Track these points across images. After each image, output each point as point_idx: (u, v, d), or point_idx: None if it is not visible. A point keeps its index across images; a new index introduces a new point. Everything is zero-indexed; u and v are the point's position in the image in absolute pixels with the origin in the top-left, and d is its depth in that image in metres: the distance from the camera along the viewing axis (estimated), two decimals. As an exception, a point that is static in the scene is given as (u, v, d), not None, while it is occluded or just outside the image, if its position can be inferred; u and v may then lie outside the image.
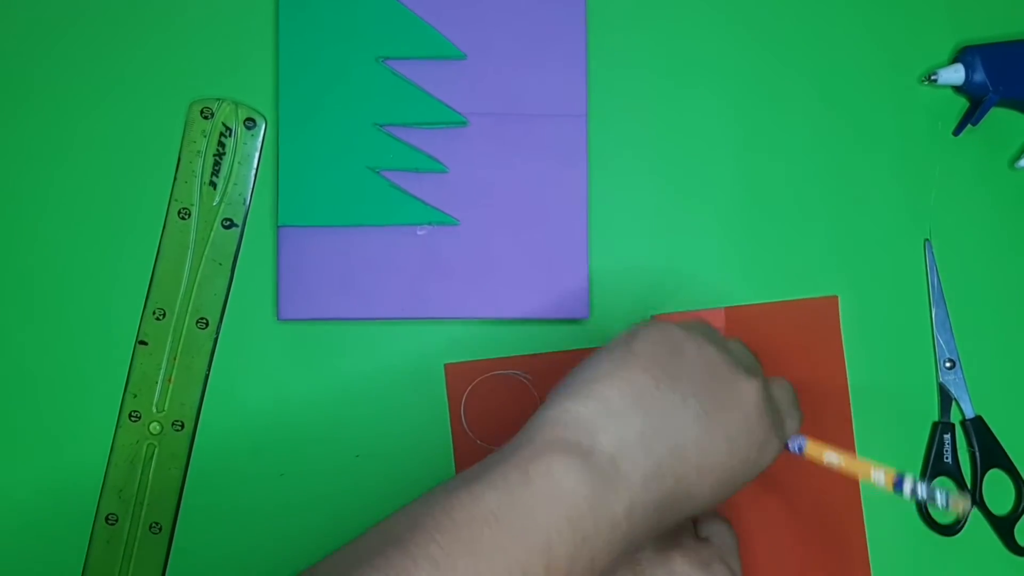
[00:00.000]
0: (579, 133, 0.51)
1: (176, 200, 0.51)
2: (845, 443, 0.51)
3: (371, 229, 0.50)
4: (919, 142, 0.53)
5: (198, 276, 0.51)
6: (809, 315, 0.52)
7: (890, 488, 0.39)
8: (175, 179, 0.51)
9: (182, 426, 0.50)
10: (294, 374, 0.51)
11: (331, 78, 0.50)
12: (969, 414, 0.52)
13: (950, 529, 0.52)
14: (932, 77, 0.52)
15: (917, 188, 0.53)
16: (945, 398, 0.52)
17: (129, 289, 0.51)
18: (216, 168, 0.51)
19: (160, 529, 0.50)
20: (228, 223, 0.51)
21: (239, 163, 0.51)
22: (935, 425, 0.52)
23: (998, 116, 0.52)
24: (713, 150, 0.52)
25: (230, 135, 0.51)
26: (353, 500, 0.51)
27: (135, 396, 0.50)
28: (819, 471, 0.51)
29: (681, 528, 0.44)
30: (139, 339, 0.51)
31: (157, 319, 0.50)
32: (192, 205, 0.51)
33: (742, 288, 0.52)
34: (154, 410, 0.50)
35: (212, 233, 0.51)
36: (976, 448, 0.52)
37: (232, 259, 0.51)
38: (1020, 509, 0.52)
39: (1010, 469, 0.52)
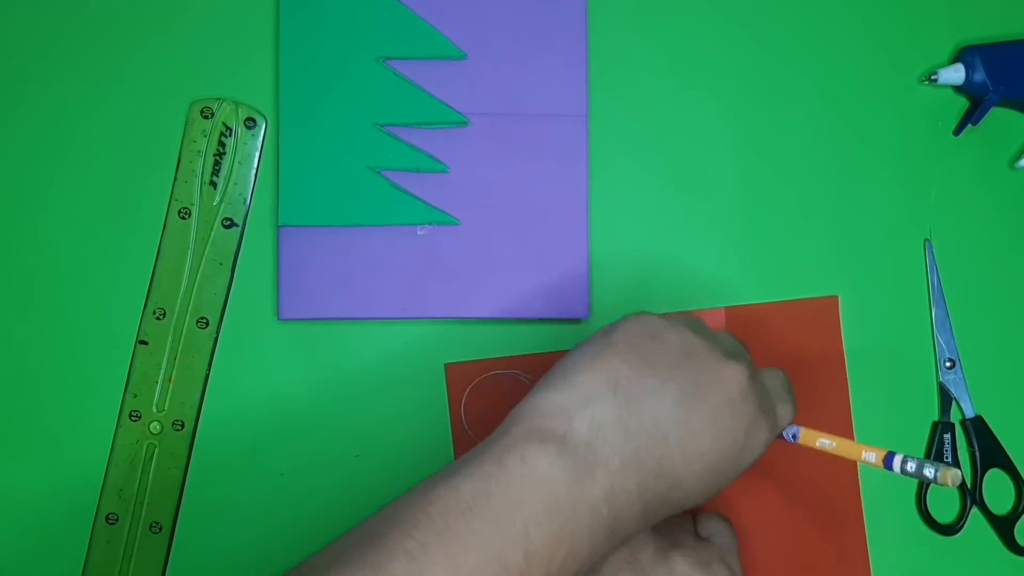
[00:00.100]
0: (579, 133, 0.51)
1: (176, 200, 0.51)
2: (845, 443, 0.52)
3: (371, 229, 0.50)
4: (919, 142, 0.53)
5: (198, 276, 0.51)
6: (809, 315, 0.52)
7: (880, 466, 0.39)
8: (175, 179, 0.51)
9: (182, 426, 0.50)
10: (294, 374, 0.51)
11: (331, 78, 0.50)
12: (969, 414, 0.52)
13: (950, 528, 0.52)
14: (932, 77, 0.52)
15: (917, 188, 0.53)
16: (945, 398, 0.52)
17: (129, 289, 0.51)
18: (216, 168, 0.51)
19: (160, 529, 0.50)
20: (228, 223, 0.51)
21: (239, 163, 0.51)
22: (935, 425, 0.52)
23: (998, 116, 0.52)
24: (713, 150, 0.52)
25: (230, 135, 0.51)
26: (353, 500, 0.50)
27: (135, 396, 0.50)
28: (819, 471, 0.51)
29: (681, 528, 0.44)
30: (139, 339, 0.51)
31: (157, 319, 0.50)
32: (192, 205, 0.51)
33: (742, 288, 0.52)
34: (154, 410, 0.50)
35: (212, 233, 0.51)
36: (976, 448, 0.52)
37: (232, 259, 0.51)
38: (1020, 509, 0.52)
39: (1010, 469, 0.52)
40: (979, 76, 0.51)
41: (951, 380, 0.52)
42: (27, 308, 0.51)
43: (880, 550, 0.52)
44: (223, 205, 0.51)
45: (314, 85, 0.50)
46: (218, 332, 0.51)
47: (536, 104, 0.51)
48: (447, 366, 0.51)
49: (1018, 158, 0.52)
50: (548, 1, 0.51)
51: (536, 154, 0.51)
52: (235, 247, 0.51)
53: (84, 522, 0.50)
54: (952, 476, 0.36)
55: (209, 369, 0.51)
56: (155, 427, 0.50)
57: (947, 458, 0.52)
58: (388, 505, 0.36)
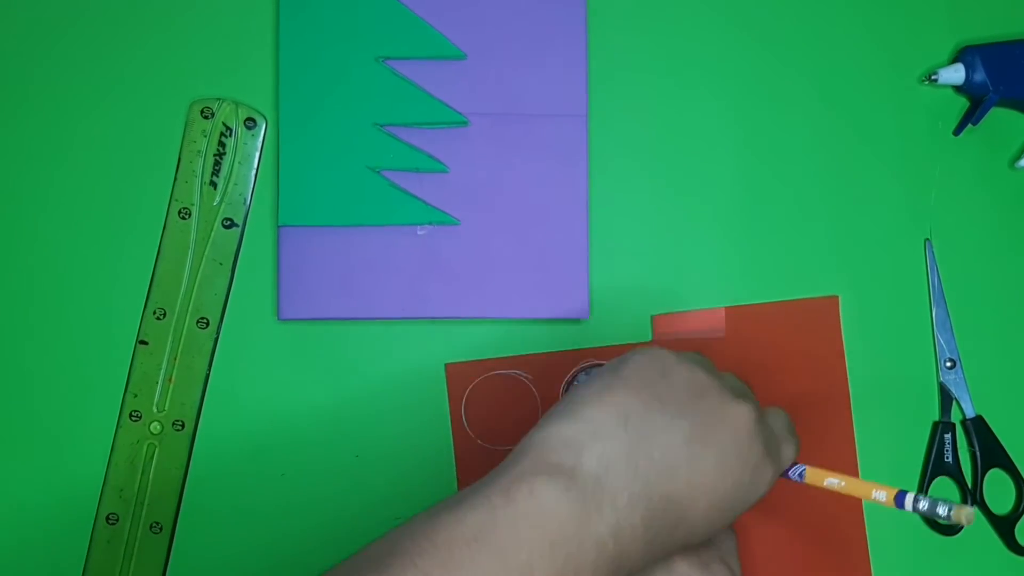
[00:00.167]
0: (579, 133, 0.51)
1: (176, 200, 0.51)
2: (846, 442, 0.51)
3: (371, 229, 0.50)
4: (919, 142, 0.53)
5: (198, 276, 0.51)
6: (809, 315, 0.52)
7: (892, 504, 0.39)
8: (175, 179, 0.51)
9: (183, 426, 0.50)
10: (294, 374, 0.51)
11: (331, 78, 0.50)
12: (970, 414, 0.52)
13: (951, 529, 0.52)
14: (932, 77, 0.52)
15: (917, 188, 0.53)
16: (945, 398, 0.52)
17: (129, 289, 0.51)
18: (216, 168, 0.51)
19: (161, 529, 0.50)
20: (228, 223, 0.51)
21: (239, 163, 0.51)
22: (936, 425, 0.52)
23: (998, 116, 0.52)
24: (713, 150, 0.52)
25: (230, 135, 0.51)
26: (354, 500, 0.50)
27: (136, 396, 0.50)
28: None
29: None
30: (140, 339, 0.51)
31: (158, 319, 0.50)
32: (192, 205, 0.51)
33: (742, 288, 0.52)
34: (155, 410, 0.50)
35: (212, 233, 0.51)
36: (977, 448, 0.52)
37: (232, 259, 0.51)
38: (1021, 509, 0.52)
39: (1011, 469, 0.52)
40: (979, 76, 0.51)
41: (952, 380, 0.52)
42: (27, 308, 0.51)
43: (881, 550, 0.52)
44: (223, 205, 0.51)
45: (314, 85, 0.50)
46: (218, 332, 0.51)
47: (536, 104, 0.51)
48: (447, 366, 0.51)
49: (1018, 158, 0.52)
50: (548, 1, 0.51)
51: (536, 154, 0.51)
52: (235, 247, 0.51)
53: (84, 522, 0.50)
54: (967, 515, 0.36)
55: (209, 369, 0.51)
56: (155, 427, 0.50)
57: (948, 458, 0.52)
58: (393, 531, 0.35)
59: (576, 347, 0.51)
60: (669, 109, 0.52)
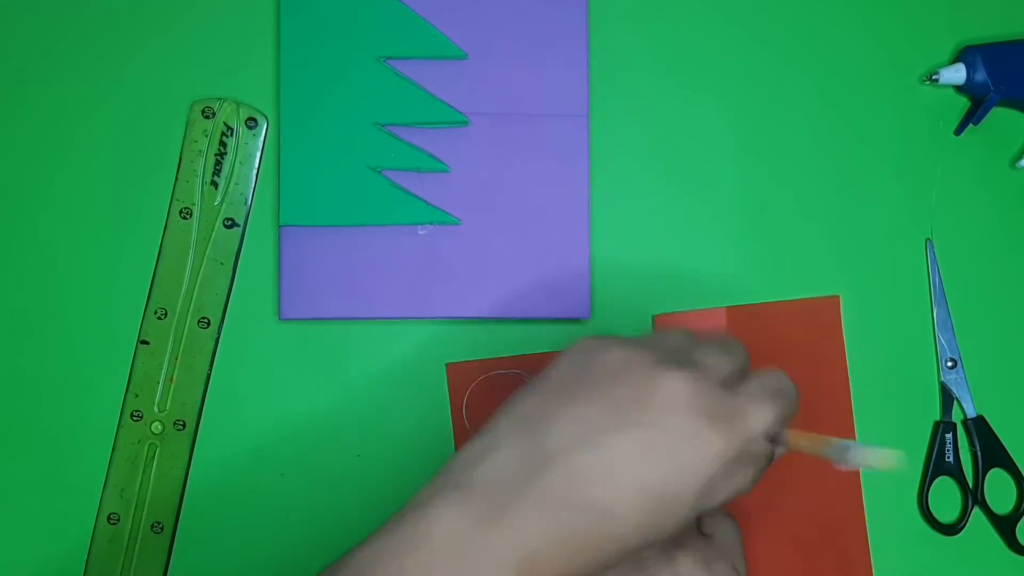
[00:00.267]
0: (580, 133, 0.51)
1: (177, 200, 0.51)
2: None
3: (372, 229, 0.50)
4: (920, 142, 0.53)
5: (199, 276, 0.51)
6: (810, 315, 0.52)
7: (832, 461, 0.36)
8: (176, 179, 0.51)
9: (184, 426, 0.50)
10: (295, 374, 0.51)
11: (332, 78, 0.50)
12: (971, 413, 0.52)
13: (951, 528, 0.52)
14: (933, 77, 0.52)
15: (918, 188, 0.53)
16: (946, 397, 0.52)
17: (130, 289, 0.51)
18: (217, 168, 0.51)
19: (162, 529, 0.50)
20: (229, 223, 0.51)
21: (240, 163, 0.51)
22: (936, 424, 0.52)
23: (999, 116, 0.52)
24: (714, 150, 0.52)
25: (231, 135, 0.51)
26: (355, 500, 0.51)
27: (137, 396, 0.50)
28: (820, 471, 0.51)
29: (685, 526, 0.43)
30: (141, 339, 0.51)
31: (159, 319, 0.50)
32: (193, 205, 0.51)
33: (742, 288, 0.52)
34: (156, 410, 0.50)
35: (214, 233, 0.51)
36: (978, 447, 0.52)
37: (233, 259, 0.51)
38: (1022, 509, 0.52)
39: (1012, 468, 0.52)
40: (980, 76, 0.51)
41: (952, 380, 0.52)
42: (28, 308, 0.51)
43: (881, 550, 0.52)
44: (224, 205, 0.51)
45: (315, 85, 0.50)
46: (219, 332, 0.51)
47: (537, 104, 0.51)
48: (448, 366, 0.51)
49: (1019, 158, 0.52)
50: (549, 1, 0.51)
51: (537, 154, 0.51)
52: (236, 247, 0.51)
53: (85, 522, 0.50)
54: (882, 457, 0.33)
55: (210, 369, 0.51)
56: (156, 427, 0.50)
57: (949, 458, 0.52)
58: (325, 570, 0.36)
59: (577, 347, 0.51)
60: (670, 108, 0.52)
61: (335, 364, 0.51)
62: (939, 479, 0.52)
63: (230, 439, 0.51)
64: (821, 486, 0.51)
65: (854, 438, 0.52)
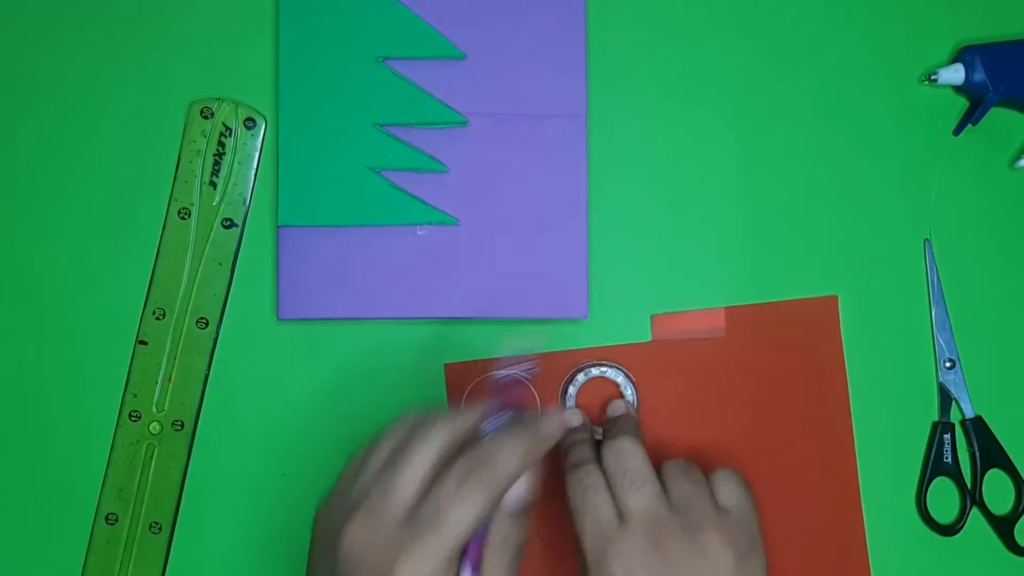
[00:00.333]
0: (579, 133, 0.51)
1: (176, 200, 0.51)
2: (845, 443, 0.51)
3: (371, 229, 0.50)
4: (919, 142, 0.53)
5: (198, 276, 0.51)
6: (809, 315, 0.52)
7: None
8: (175, 179, 0.51)
9: (182, 426, 0.50)
10: (294, 374, 0.51)
11: (331, 78, 0.50)
12: (969, 414, 0.52)
13: (950, 529, 0.52)
14: (932, 77, 0.52)
15: (917, 188, 0.53)
16: (945, 398, 0.52)
17: (129, 289, 0.51)
18: (216, 168, 0.51)
19: (160, 529, 0.50)
20: (228, 223, 0.51)
21: (239, 163, 0.51)
22: (935, 425, 0.52)
23: (998, 116, 0.52)
24: (713, 150, 0.52)
25: (230, 135, 0.51)
26: (353, 500, 0.50)
27: (135, 396, 0.50)
28: (820, 471, 0.51)
29: (700, 501, 0.43)
30: (139, 339, 0.51)
31: (157, 319, 0.50)
32: (192, 205, 0.51)
33: (742, 288, 0.52)
34: (154, 410, 0.50)
35: (212, 233, 0.51)
36: (976, 448, 0.52)
37: (232, 259, 0.51)
38: (1020, 509, 0.52)
39: (1010, 469, 0.52)
40: (979, 76, 0.51)
41: (951, 380, 0.52)
42: (27, 308, 0.51)
43: (880, 550, 0.52)
44: (223, 205, 0.51)
45: (314, 85, 0.50)
46: (218, 332, 0.51)
47: (536, 104, 0.51)
48: (447, 366, 0.51)
49: (1018, 158, 0.52)
50: (548, 2, 0.51)
51: (536, 154, 0.51)
52: (235, 247, 0.51)
53: (84, 522, 0.50)
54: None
55: (209, 369, 0.51)
56: (155, 427, 0.50)
57: (947, 458, 0.52)
58: None
59: (576, 347, 0.51)
60: (669, 109, 0.52)
61: (333, 364, 0.51)
62: (937, 479, 0.52)
63: (228, 439, 0.51)
64: (820, 486, 0.51)
65: (853, 438, 0.51)
